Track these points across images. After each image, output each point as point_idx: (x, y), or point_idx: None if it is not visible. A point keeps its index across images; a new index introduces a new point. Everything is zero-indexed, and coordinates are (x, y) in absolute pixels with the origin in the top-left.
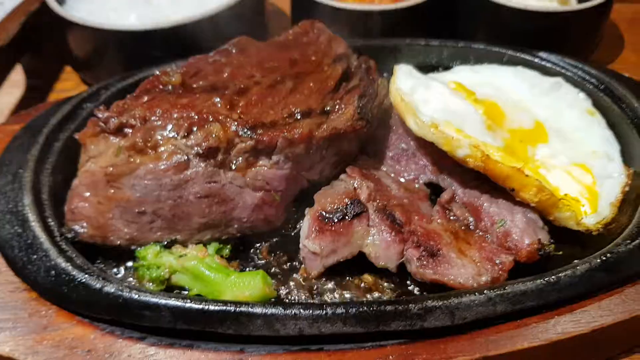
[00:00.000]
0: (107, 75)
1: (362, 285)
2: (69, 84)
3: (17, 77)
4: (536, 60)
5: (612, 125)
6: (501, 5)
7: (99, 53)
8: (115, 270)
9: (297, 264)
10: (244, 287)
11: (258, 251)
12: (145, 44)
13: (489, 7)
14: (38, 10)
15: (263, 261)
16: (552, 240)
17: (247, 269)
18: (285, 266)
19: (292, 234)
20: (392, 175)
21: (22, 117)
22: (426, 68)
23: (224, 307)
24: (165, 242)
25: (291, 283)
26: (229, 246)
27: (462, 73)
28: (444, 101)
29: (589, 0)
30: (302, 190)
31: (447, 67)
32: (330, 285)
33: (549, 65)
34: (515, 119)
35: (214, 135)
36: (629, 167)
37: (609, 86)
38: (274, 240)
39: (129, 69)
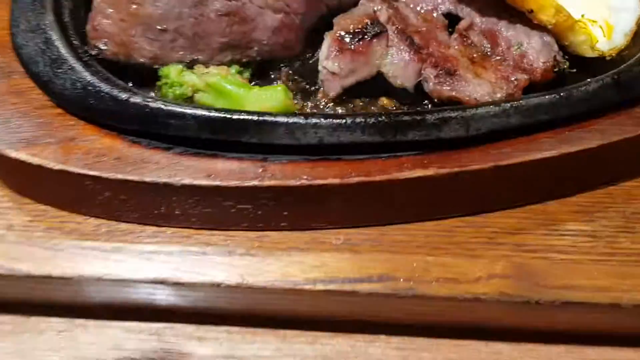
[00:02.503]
0: None
1: (379, 106)
2: None
3: None
4: None
5: None
6: None
7: None
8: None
9: (315, 88)
10: (266, 99)
11: (277, 76)
12: None
13: None
14: None
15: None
16: (566, 57)
17: None
18: (303, 91)
19: (311, 61)
20: (411, 6)
21: None
22: None
23: (248, 117)
24: (188, 62)
25: (309, 104)
26: (249, 69)
27: None
28: None
29: None
30: (322, 18)
31: None
32: (347, 108)
33: None
34: None
35: None
36: None
37: None
38: (294, 65)
39: None
